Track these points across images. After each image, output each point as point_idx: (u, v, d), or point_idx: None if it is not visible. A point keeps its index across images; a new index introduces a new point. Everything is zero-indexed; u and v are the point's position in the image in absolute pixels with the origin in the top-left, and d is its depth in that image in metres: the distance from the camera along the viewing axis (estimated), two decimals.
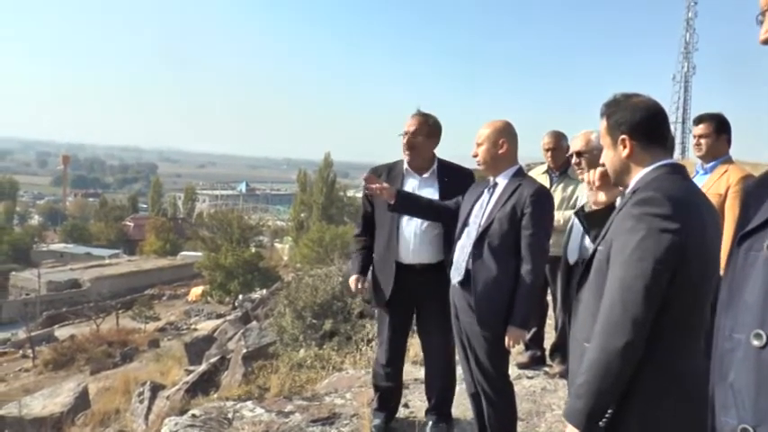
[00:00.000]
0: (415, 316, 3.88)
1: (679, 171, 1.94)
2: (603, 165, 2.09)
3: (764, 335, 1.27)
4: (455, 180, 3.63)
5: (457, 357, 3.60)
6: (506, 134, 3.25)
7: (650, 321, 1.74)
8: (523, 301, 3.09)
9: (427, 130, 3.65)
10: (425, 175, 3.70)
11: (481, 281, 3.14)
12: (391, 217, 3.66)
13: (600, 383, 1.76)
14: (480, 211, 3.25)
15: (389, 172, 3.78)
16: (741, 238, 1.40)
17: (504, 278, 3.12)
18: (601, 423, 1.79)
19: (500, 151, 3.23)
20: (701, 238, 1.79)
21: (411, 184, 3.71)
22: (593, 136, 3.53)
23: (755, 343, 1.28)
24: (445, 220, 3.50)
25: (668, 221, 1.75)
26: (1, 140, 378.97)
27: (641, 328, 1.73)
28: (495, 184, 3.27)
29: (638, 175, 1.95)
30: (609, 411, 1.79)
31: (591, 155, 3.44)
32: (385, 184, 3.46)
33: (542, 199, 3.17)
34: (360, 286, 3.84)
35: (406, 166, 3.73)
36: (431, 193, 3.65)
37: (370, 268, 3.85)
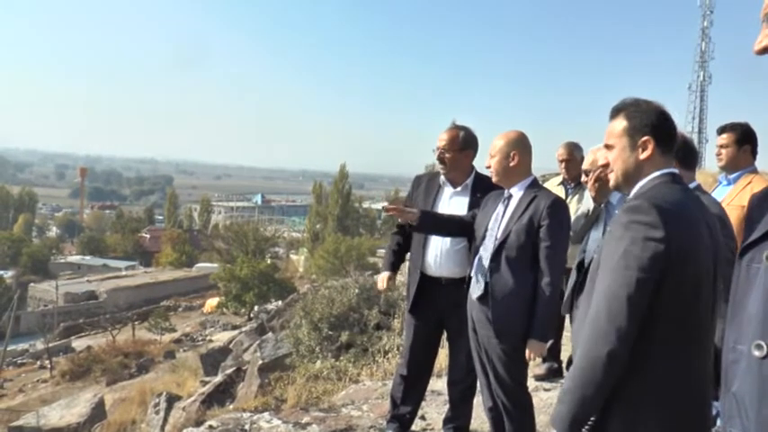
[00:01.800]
0: (445, 329, 3.86)
1: (678, 180, 1.94)
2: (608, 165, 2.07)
3: (765, 345, 1.29)
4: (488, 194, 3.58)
5: None
6: (518, 146, 3.23)
7: (635, 330, 1.72)
8: (543, 313, 3.06)
9: (458, 144, 3.64)
10: (459, 188, 3.71)
11: (499, 294, 3.13)
12: None
13: (583, 391, 1.75)
14: (496, 224, 3.24)
15: (429, 181, 3.83)
16: (743, 250, 1.41)
17: (522, 290, 3.10)
18: (584, 430, 1.80)
19: (511, 163, 3.22)
20: (695, 249, 1.77)
21: (446, 195, 3.73)
22: (599, 154, 3.58)
23: (756, 353, 1.30)
24: (469, 234, 3.49)
25: (653, 230, 1.74)
26: (22, 153, 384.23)
27: (625, 337, 1.72)
28: (510, 196, 3.26)
29: (641, 181, 1.95)
30: (592, 419, 1.79)
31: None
32: (407, 209, 3.45)
33: (559, 210, 3.15)
34: (387, 285, 3.86)
35: (443, 177, 3.74)
36: (461, 205, 3.65)
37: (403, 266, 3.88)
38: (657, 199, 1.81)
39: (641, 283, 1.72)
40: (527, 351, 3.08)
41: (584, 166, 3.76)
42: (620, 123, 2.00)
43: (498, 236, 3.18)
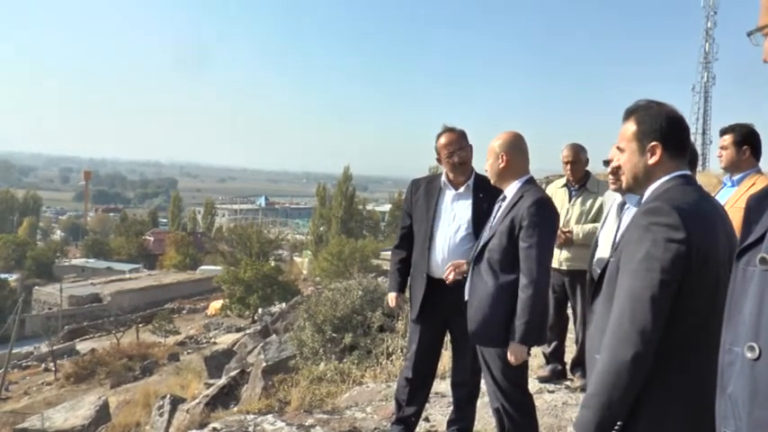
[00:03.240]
0: (449, 331, 3.85)
1: (692, 182, 1.94)
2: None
3: (757, 347, 1.29)
4: (491, 195, 3.55)
5: None
6: (508, 147, 3.21)
7: (659, 332, 1.72)
8: (522, 315, 3.01)
9: (467, 140, 3.66)
10: (461, 190, 3.68)
11: (476, 296, 3.12)
12: (425, 230, 3.67)
13: (609, 395, 1.75)
14: (488, 226, 3.25)
15: (428, 184, 3.80)
16: (740, 252, 1.42)
17: (502, 293, 3.07)
18: None
19: (501, 165, 3.20)
20: (714, 250, 1.78)
21: (448, 198, 3.70)
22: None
23: (749, 355, 1.30)
24: None
25: (675, 231, 1.74)
26: (26, 157, 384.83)
27: (650, 339, 1.72)
28: (504, 198, 3.25)
29: (654, 184, 1.95)
30: (618, 424, 1.78)
31: None
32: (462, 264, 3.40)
33: (541, 209, 3.08)
34: (397, 303, 3.95)
35: (443, 179, 3.71)
36: (465, 207, 3.63)
37: (408, 280, 3.88)
38: (676, 201, 1.81)
39: (664, 285, 1.72)
40: (508, 354, 3.05)
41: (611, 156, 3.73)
42: (631, 127, 2.00)
43: (484, 237, 3.18)
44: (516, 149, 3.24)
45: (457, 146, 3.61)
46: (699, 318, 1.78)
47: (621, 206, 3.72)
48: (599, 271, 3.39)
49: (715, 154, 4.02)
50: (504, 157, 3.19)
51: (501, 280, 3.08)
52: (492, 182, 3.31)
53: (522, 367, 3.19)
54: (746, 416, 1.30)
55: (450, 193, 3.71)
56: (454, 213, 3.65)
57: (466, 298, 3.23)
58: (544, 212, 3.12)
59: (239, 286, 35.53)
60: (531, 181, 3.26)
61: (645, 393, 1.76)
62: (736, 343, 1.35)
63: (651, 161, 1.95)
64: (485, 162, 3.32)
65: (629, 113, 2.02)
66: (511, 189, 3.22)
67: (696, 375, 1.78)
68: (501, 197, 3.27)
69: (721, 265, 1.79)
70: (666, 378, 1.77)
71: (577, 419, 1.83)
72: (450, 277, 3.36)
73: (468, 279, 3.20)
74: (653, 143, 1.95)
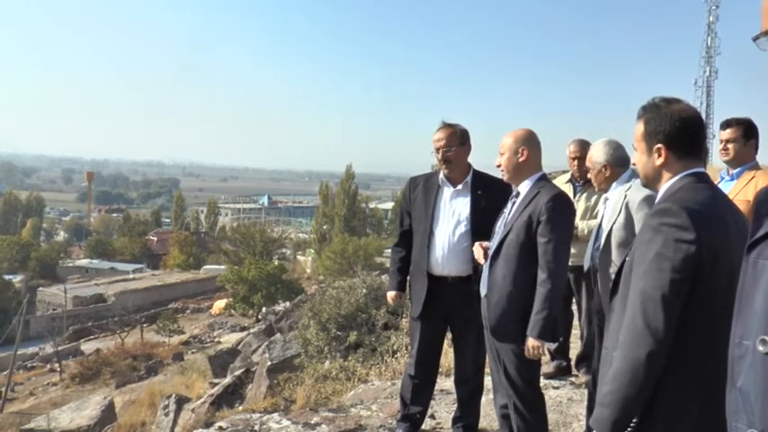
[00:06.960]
0: (449, 328, 3.86)
1: (705, 179, 1.94)
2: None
3: None
4: (489, 192, 3.59)
5: (487, 369, 3.59)
6: (527, 142, 3.23)
7: (672, 331, 1.74)
8: (540, 311, 3.01)
9: (458, 139, 3.64)
10: (459, 187, 3.68)
11: (496, 292, 3.13)
12: (424, 228, 3.68)
13: (625, 393, 1.77)
14: (502, 222, 3.24)
15: (426, 182, 3.81)
16: (750, 245, 1.42)
17: (520, 289, 3.07)
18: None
19: (521, 159, 3.20)
20: (725, 249, 1.78)
21: (446, 195, 3.70)
22: (593, 150, 3.75)
23: (761, 349, 1.30)
24: None
25: (684, 231, 1.75)
26: (29, 158, 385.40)
27: (663, 338, 1.73)
28: (518, 194, 3.25)
29: (666, 184, 1.96)
30: (634, 420, 1.80)
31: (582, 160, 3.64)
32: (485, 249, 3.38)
33: (558, 206, 3.09)
34: (396, 301, 4.00)
35: (441, 176, 3.72)
36: (463, 204, 3.64)
37: (408, 279, 3.90)
38: (686, 201, 1.83)
39: (675, 285, 1.74)
40: (525, 348, 3.06)
41: (587, 161, 3.81)
42: (640, 128, 2.02)
43: (501, 233, 3.18)
44: (534, 144, 3.25)
45: (442, 142, 3.63)
46: (713, 315, 1.79)
47: (605, 200, 3.80)
48: (587, 264, 3.47)
49: (717, 148, 4.03)
50: (525, 152, 3.20)
51: (519, 275, 3.08)
52: (506, 178, 3.30)
53: (536, 364, 3.20)
54: (759, 410, 1.30)
55: (448, 191, 3.71)
56: (453, 210, 3.65)
57: (483, 294, 3.24)
58: (562, 208, 3.13)
59: (243, 285, 35.52)
60: (544, 177, 3.27)
61: (660, 390, 1.78)
62: (747, 336, 1.35)
63: (657, 162, 1.97)
64: (495, 158, 3.31)
65: (641, 113, 2.03)
66: (524, 186, 3.22)
67: (711, 372, 1.78)
68: (514, 193, 3.27)
69: (735, 263, 1.79)
70: (682, 375, 1.79)
71: (594, 416, 1.85)
72: (481, 257, 3.30)
73: (486, 275, 3.20)
74: (657, 145, 1.96)
